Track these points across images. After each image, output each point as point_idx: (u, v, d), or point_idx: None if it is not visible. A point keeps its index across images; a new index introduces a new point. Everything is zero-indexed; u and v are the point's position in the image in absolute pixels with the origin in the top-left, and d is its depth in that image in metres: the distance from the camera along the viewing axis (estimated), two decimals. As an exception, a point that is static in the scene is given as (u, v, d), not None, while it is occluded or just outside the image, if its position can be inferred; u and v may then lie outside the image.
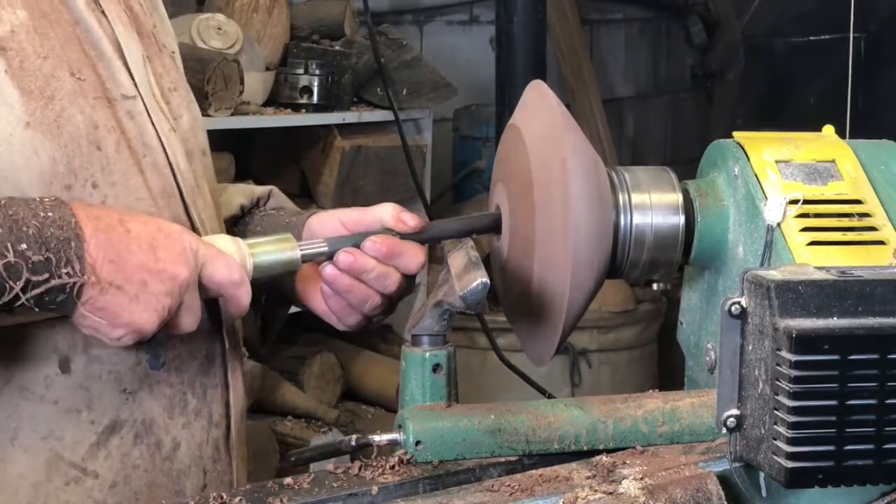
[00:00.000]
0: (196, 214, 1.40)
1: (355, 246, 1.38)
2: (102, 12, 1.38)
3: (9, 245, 1.15)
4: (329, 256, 1.38)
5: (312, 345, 3.82)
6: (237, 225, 1.57)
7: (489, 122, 4.29)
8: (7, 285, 1.16)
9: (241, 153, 3.51)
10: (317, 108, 3.54)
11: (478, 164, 4.37)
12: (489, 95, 4.22)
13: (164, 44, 1.49)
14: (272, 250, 1.35)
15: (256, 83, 3.43)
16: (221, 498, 1.11)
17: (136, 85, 1.37)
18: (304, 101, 3.51)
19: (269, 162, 3.78)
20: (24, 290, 1.16)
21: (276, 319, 1.61)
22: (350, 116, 3.67)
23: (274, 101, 3.53)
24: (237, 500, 1.11)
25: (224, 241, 1.33)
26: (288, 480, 1.16)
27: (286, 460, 1.49)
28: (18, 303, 1.17)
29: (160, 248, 1.24)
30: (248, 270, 1.32)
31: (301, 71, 3.51)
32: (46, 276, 1.17)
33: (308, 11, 3.82)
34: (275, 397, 3.61)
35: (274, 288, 1.51)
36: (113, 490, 1.34)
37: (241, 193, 1.61)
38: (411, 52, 3.94)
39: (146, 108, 1.38)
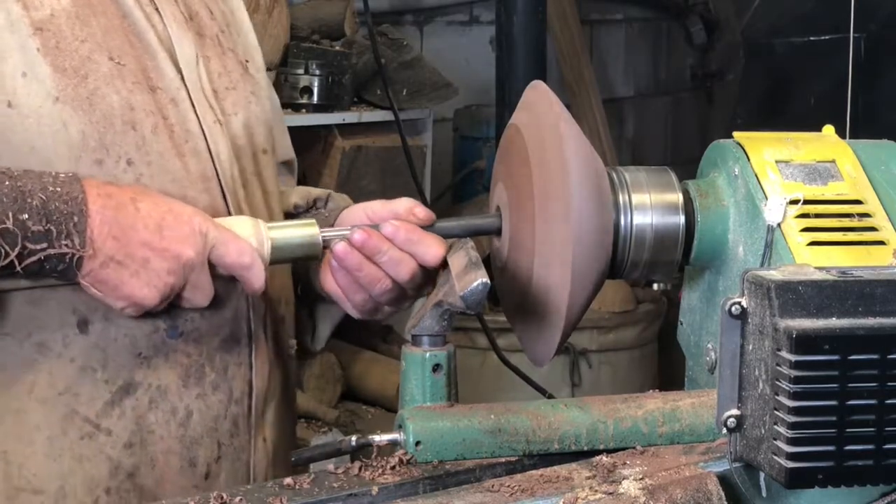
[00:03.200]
0: (234, 204, 1.45)
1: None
2: (157, 9, 1.45)
3: (10, 214, 1.23)
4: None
5: (312, 345, 3.82)
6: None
7: (489, 122, 4.29)
8: (3, 250, 1.23)
9: (241, 153, 3.51)
10: (317, 108, 3.54)
11: (478, 164, 4.36)
12: (489, 95, 4.22)
13: (233, 49, 1.55)
14: (291, 233, 1.38)
15: (256, 83, 3.42)
16: (222, 498, 1.11)
17: (182, 77, 1.44)
18: (304, 101, 3.51)
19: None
20: (20, 256, 1.24)
21: (324, 321, 1.65)
22: (350, 116, 3.67)
23: (274, 101, 3.53)
24: (237, 499, 1.11)
25: (242, 223, 1.37)
26: (288, 480, 1.16)
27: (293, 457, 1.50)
28: (16, 268, 1.25)
29: (167, 228, 1.30)
30: (264, 252, 1.36)
31: (301, 71, 3.51)
32: (44, 244, 1.25)
33: (308, 11, 3.82)
34: (275, 397, 3.60)
35: (309, 283, 1.56)
36: (129, 450, 1.39)
37: (297, 194, 1.67)
38: (411, 52, 3.94)
39: (191, 98, 1.44)
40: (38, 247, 1.25)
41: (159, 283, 1.30)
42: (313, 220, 1.41)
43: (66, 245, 1.25)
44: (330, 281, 1.47)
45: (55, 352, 1.36)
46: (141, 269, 1.29)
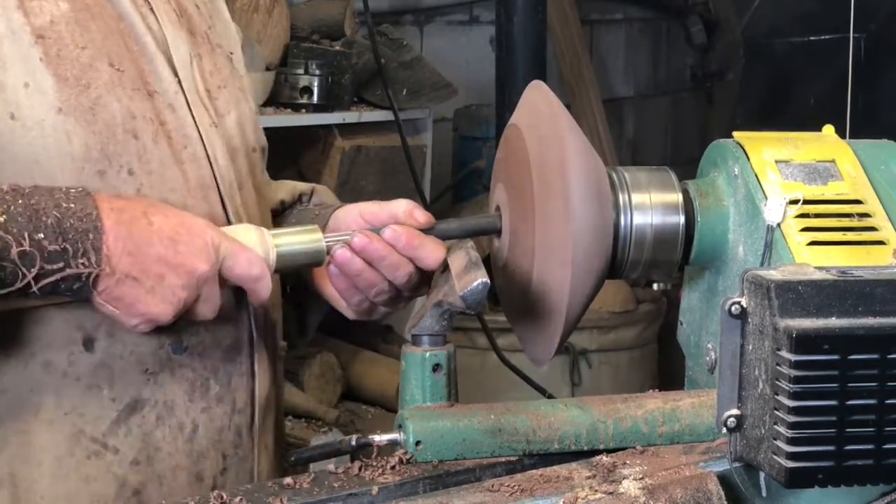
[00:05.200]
0: (233, 210, 1.43)
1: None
2: (151, 9, 1.42)
3: (26, 234, 1.19)
4: None
5: (312, 345, 3.82)
6: (276, 219, 1.60)
7: (489, 122, 4.28)
8: (20, 272, 1.19)
9: (241, 153, 3.50)
10: (317, 108, 3.54)
11: (478, 164, 4.36)
12: (489, 95, 4.21)
13: (220, 44, 1.53)
14: (296, 241, 1.37)
15: (256, 83, 3.42)
16: (222, 498, 1.11)
17: (179, 80, 1.41)
18: (304, 101, 3.51)
19: (269, 162, 3.77)
20: (37, 278, 1.20)
21: (313, 314, 1.64)
22: (350, 116, 3.67)
23: (274, 101, 3.53)
24: (237, 499, 1.11)
25: (247, 232, 1.35)
26: (288, 480, 1.17)
27: (286, 460, 1.50)
28: (32, 289, 1.20)
29: (181, 243, 1.27)
30: (270, 261, 1.34)
31: (301, 71, 3.51)
32: (61, 264, 1.21)
33: (308, 11, 3.82)
34: (275, 397, 3.60)
35: (300, 281, 1.54)
36: (136, 468, 1.38)
37: (284, 189, 1.65)
38: (411, 52, 3.94)
39: (188, 102, 1.41)
40: (55, 266, 1.20)
41: (173, 299, 1.27)
42: (316, 227, 1.39)
43: (83, 264, 1.21)
44: (326, 283, 1.46)
45: (61, 371, 1.33)
46: (156, 285, 1.26)
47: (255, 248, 1.33)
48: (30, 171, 1.29)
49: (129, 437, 1.37)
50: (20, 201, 1.21)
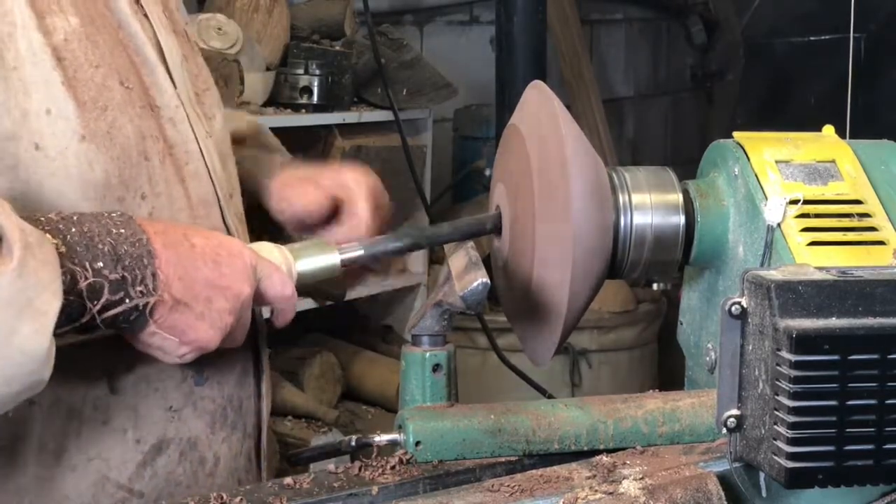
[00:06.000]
0: (230, 220, 1.39)
1: (389, 251, 1.40)
2: (145, 15, 1.35)
3: (87, 264, 1.12)
4: (367, 259, 1.39)
5: (312, 345, 3.82)
6: (235, 146, 1.53)
7: (489, 122, 4.29)
8: (87, 306, 1.12)
9: (241, 153, 3.50)
10: (317, 109, 3.54)
11: (478, 164, 4.36)
12: (489, 95, 4.22)
13: (193, 39, 1.47)
14: (313, 257, 1.35)
15: (256, 83, 3.43)
16: (222, 498, 1.11)
17: (176, 91, 1.34)
18: (304, 101, 3.51)
19: (269, 162, 3.77)
20: (101, 310, 1.13)
21: None
22: (350, 116, 3.67)
23: (274, 101, 3.53)
24: (237, 499, 1.11)
25: (269, 251, 1.32)
26: (288, 480, 1.16)
27: (286, 460, 1.49)
28: (95, 323, 1.13)
29: (223, 265, 1.22)
30: (293, 279, 1.32)
31: (301, 71, 3.51)
32: (121, 294, 1.14)
33: (308, 11, 3.82)
34: (275, 397, 3.61)
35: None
36: None
37: (241, 119, 1.64)
38: (411, 52, 3.94)
39: (186, 114, 1.35)
40: (117, 297, 1.13)
41: (221, 324, 1.21)
42: (329, 242, 1.37)
43: (141, 292, 1.14)
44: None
45: (86, 415, 1.27)
46: (205, 310, 1.20)
47: (281, 267, 1.30)
48: (54, 204, 1.20)
49: (153, 480, 1.32)
50: (73, 229, 1.13)
